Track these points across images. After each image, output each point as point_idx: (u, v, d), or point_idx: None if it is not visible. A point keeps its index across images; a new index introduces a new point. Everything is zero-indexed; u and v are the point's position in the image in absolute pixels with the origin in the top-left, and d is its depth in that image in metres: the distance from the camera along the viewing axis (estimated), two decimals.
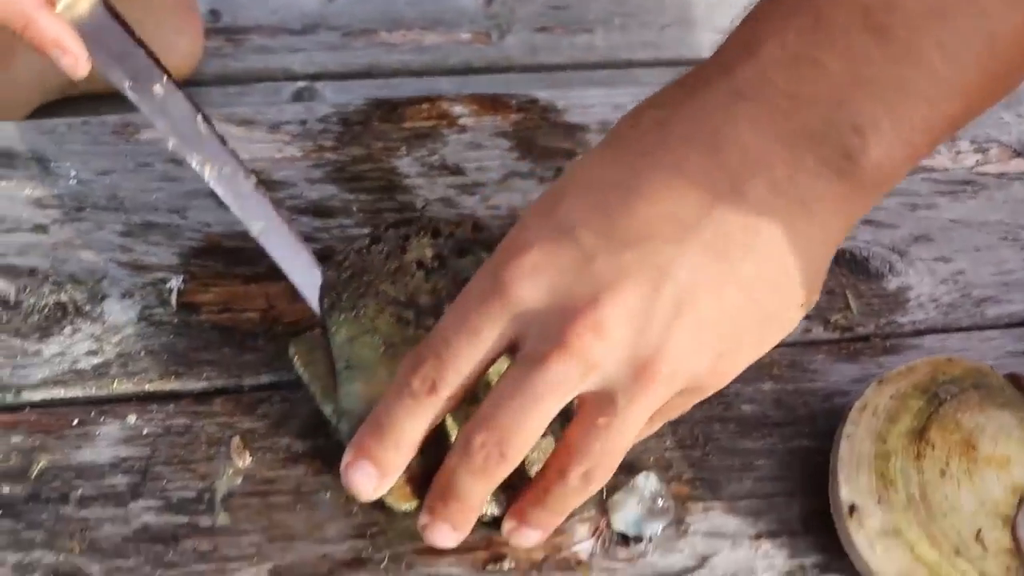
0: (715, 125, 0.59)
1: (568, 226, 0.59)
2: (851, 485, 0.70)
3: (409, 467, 0.66)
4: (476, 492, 0.63)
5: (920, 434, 0.71)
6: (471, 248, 0.74)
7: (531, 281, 0.59)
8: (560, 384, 0.59)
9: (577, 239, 0.59)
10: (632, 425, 0.61)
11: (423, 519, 0.66)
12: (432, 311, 0.71)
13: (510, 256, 0.60)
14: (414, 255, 0.74)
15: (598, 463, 0.62)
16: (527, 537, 0.67)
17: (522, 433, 0.61)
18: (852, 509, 0.69)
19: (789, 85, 0.58)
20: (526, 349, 0.60)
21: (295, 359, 0.72)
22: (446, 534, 0.65)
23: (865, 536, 0.69)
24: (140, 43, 0.73)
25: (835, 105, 0.57)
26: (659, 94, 0.63)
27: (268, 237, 0.74)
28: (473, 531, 0.67)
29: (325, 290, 0.73)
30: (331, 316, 0.72)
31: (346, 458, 0.65)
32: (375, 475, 0.65)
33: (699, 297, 0.58)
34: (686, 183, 0.58)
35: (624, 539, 0.71)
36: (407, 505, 0.68)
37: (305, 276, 0.74)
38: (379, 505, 0.68)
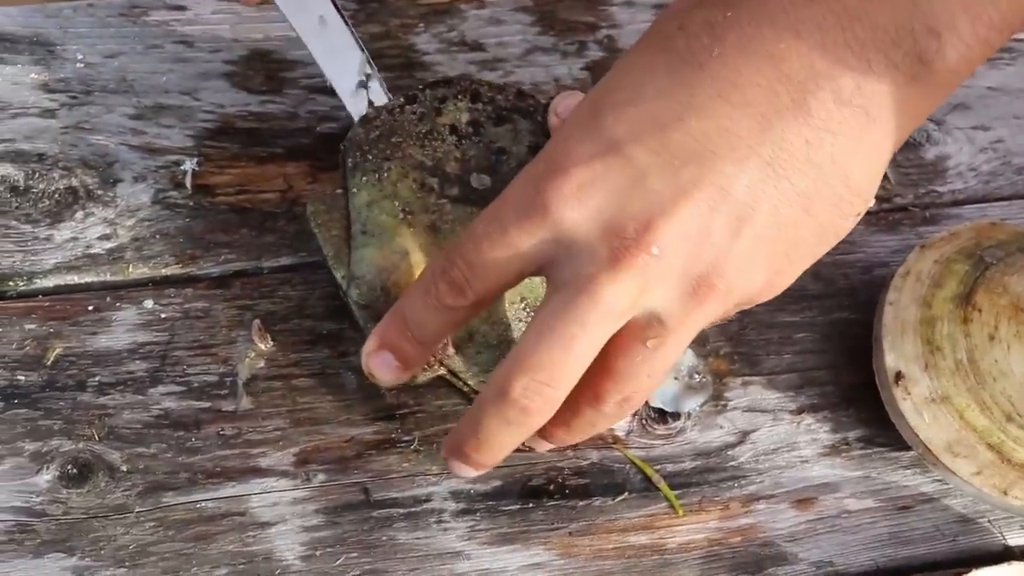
0: (777, 32, 0.54)
1: (617, 140, 0.55)
2: (896, 352, 0.67)
3: None
4: (509, 443, 0.59)
5: (967, 298, 0.68)
6: (510, 116, 0.72)
7: (576, 202, 0.55)
8: (613, 308, 0.55)
9: (629, 156, 0.55)
10: (681, 346, 0.57)
11: (444, 452, 0.62)
12: (457, 180, 0.69)
13: (554, 171, 0.56)
14: (448, 119, 0.71)
15: (639, 388, 0.58)
16: (543, 447, 0.63)
17: (570, 368, 0.56)
18: (898, 377, 0.67)
19: None
20: (568, 274, 0.56)
21: (311, 219, 0.69)
22: (468, 473, 0.62)
23: (912, 404, 0.66)
24: None
25: (909, 6, 0.53)
26: None
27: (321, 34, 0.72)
28: None
29: (350, 149, 0.70)
30: (353, 177, 0.69)
31: (369, 345, 0.63)
32: (396, 367, 0.62)
33: (757, 216, 0.55)
34: (745, 97, 0.54)
35: (662, 415, 0.70)
36: (423, 377, 0.66)
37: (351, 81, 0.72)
38: (406, 388, 0.67)
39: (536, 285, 0.67)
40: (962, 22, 0.53)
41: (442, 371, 0.66)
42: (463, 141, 0.70)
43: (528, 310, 0.67)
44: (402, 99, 0.72)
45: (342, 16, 0.71)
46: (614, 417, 0.60)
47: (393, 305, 0.63)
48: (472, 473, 0.62)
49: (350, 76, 0.72)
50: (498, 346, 0.66)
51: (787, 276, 0.58)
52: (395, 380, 0.63)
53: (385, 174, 0.68)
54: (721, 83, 0.54)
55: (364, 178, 0.68)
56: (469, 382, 0.66)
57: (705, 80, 0.54)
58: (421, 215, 0.67)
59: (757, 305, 0.68)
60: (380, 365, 0.62)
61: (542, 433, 0.60)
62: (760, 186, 0.54)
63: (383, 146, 0.69)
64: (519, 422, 0.57)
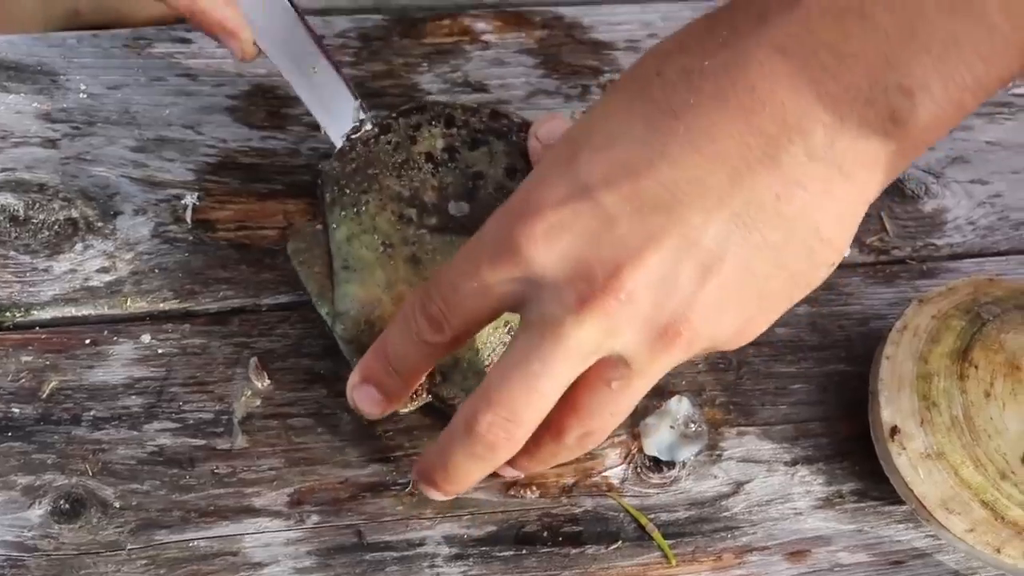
0: (750, 83, 0.54)
1: (589, 185, 0.55)
2: (892, 407, 0.67)
3: None
4: (475, 475, 0.61)
5: (963, 354, 0.68)
6: (485, 139, 0.72)
7: (546, 244, 0.55)
8: (577, 351, 0.55)
9: (599, 201, 0.55)
10: (644, 389, 0.58)
11: (414, 474, 0.64)
12: (435, 210, 0.69)
13: (526, 213, 0.56)
14: (424, 146, 0.71)
15: (601, 426, 0.59)
16: (508, 473, 0.65)
17: (532, 408, 0.57)
18: (894, 431, 0.67)
19: (834, 40, 0.53)
20: (535, 314, 0.56)
21: (292, 257, 0.69)
22: (438, 498, 0.64)
23: (907, 459, 0.66)
24: (300, 16, 0.72)
25: (883, 64, 0.53)
26: (686, 36, 0.57)
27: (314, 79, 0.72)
28: None
29: (327, 183, 0.70)
30: (332, 212, 0.69)
31: (353, 378, 0.64)
32: (379, 400, 0.63)
33: (725, 266, 0.55)
34: (717, 149, 0.54)
35: (656, 464, 0.69)
36: (404, 409, 0.66)
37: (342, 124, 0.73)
38: (401, 428, 0.67)
39: None
40: (935, 83, 0.52)
41: (429, 399, 0.66)
42: (439, 168, 0.70)
43: (512, 335, 0.67)
44: (376, 129, 0.72)
45: (334, 65, 0.72)
46: (576, 450, 0.61)
47: (376, 340, 0.63)
48: (440, 498, 0.64)
49: (343, 123, 0.72)
50: (484, 372, 0.66)
51: (759, 324, 0.58)
52: (379, 413, 0.64)
53: (363, 208, 0.68)
54: (694, 134, 0.54)
55: (343, 212, 0.69)
56: (458, 408, 0.66)
57: (679, 130, 0.54)
58: (401, 247, 0.67)
59: (753, 355, 0.69)
60: (364, 398, 0.64)
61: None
62: (728, 237, 0.54)
63: (360, 179, 0.70)
64: (484, 456, 0.59)
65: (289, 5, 0.71)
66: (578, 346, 0.55)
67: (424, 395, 0.66)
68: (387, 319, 0.65)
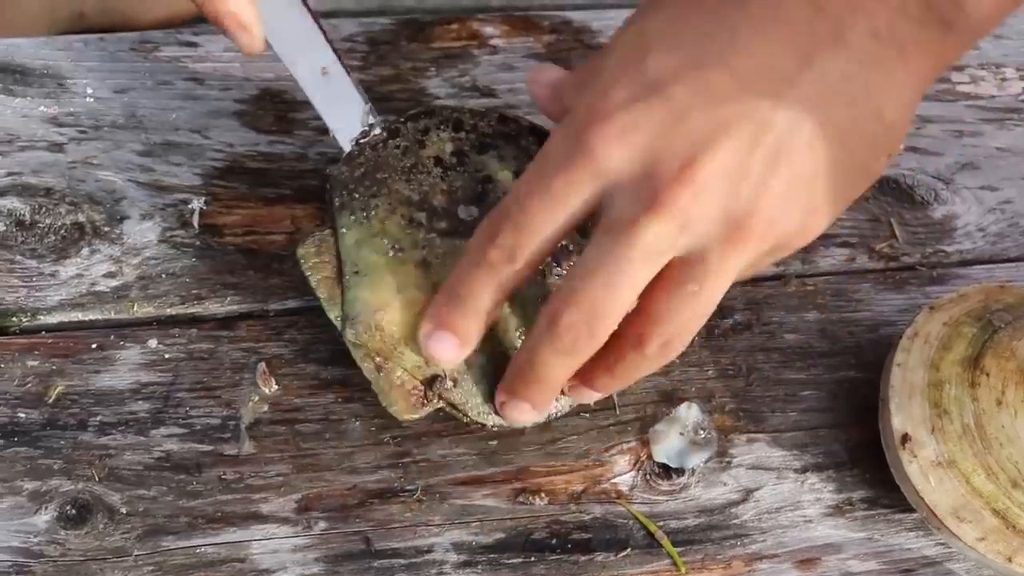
0: None
1: (659, 82, 0.56)
2: (903, 414, 0.67)
3: (414, 380, 0.65)
4: (561, 373, 0.61)
5: (975, 362, 0.68)
6: (494, 143, 0.71)
7: (620, 144, 0.56)
8: (654, 248, 0.56)
9: (670, 96, 0.55)
10: (722, 288, 0.58)
11: (500, 397, 0.64)
12: (445, 213, 0.68)
13: (597, 117, 0.57)
14: (432, 150, 0.71)
15: (683, 330, 0.59)
16: (589, 396, 0.65)
17: (613, 306, 0.58)
18: (905, 439, 0.66)
19: None
20: (613, 215, 0.57)
21: (302, 262, 0.68)
22: (526, 412, 0.64)
23: (918, 467, 0.66)
24: (315, 17, 0.71)
25: None
26: None
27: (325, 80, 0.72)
28: (506, 456, 0.66)
29: (335, 188, 0.70)
30: (341, 216, 0.69)
31: (425, 327, 0.63)
32: (455, 344, 0.63)
33: (795, 151, 0.56)
34: (785, 34, 0.55)
35: (666, 471, 0.69)
36: (414, 415, 0.66)
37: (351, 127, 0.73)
38: (410, 434, 0.67)
39: (531, 313, 0.66)
40: None
41: (441, 404, 0.66)
42: (449, 172, 0.70)
43: (524, 338, 0.67)
44: (385, 133, 0.71)
45: (344, 66, 0.71)
46: (656, 361, 0.61)
47: (442, 286, 0.63)
48: (529, 413, 0.64)
49: (352, 127, 0.72)
50: (495, 376, 0.66)
51: (821, 217, 0.59)
52: (455, 358, 0.63)
53: (372, 212, 0.68)
54: (761, 20, 0.56)
55: (352, 217, 0.68)
56: (469, 414, 0.66)
57: (745, 19, 0.56)
58: (411, 251, 0.67)
59: (762, 362, 0.68)
60: (439, 347, 0.63)
61: (587, 380, 0.63)
62: (799, 122, 0.55)
63: (369, 183, 0.69)
64: (567, 351, 0.59)
65: (304, 6, 0.70)
66: (655, 242, 0.56)
67: (436, 400, 0.66)
68: (397, 323, 0.65)
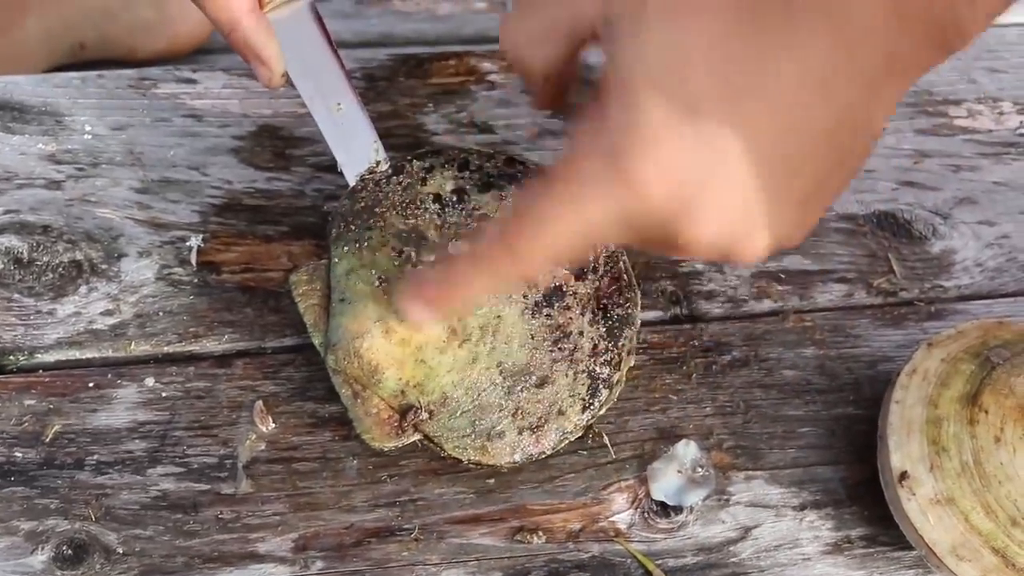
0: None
1: (700, 109, 0.52)
2: (902, 452, 0.67)
3: (388, 407, 0.65)
4: (479, 283, 0.60)
5: (973, 399, 0.68)
6: (497, 183, 0.71)
7: (661, 179, 0.53)
8: None
9: (707, 135, 0.52)
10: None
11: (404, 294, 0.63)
12: (435, 248, 0.69)
13: (638, 143, 0.52)
14: (432, 187, 0.71)
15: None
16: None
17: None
18: (903, 477, 0.66)
19: None
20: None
21: (292, 288, 0.69)
22: (419, 309, 0.62)
23: (917, 504, 0.66)
24: (335, 53, 0.72)
25: None
26: None
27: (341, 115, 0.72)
28: (504, 495, 0.64)
29: (335, 220, 0.70)
30: (336, 247, 0.69)
31: (410, 293, 0.62)
32: (430, 314, 0.62)
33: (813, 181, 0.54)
34: (814, 72, 0.53)
35: (664, 509, 0.69)
36: (389, 444, 0.66)
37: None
38: (407, 472, 0.67)
39: (514, 350, 0.67)
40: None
41: (417, 436, 0.66)
42: (445, 209, 0.70)
43: (503, 375, 0.67)
44: (390, 169, 0.72)
45: (359, 103, 0.72)
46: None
47: (441, 260, 0.65)
48: (422, 308, 0.62)
49: (360, 162, 0.72)
50: (472, 411, 0.66)
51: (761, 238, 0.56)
52: (424, 321, 0.64)
53: (365, 243, 0.69)
54: (794, 53, 0.52)
55: (345, 247, 0.69)
56: (445, 447, 0.66)
57: (779, 48, 0.52)
58: (395, 283, 0.67)
59: (761, 399, 0.68)
60: (413, 310, 0.62)
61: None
62: (819, 159, 0.54)
63: (366, 216, 0.70)
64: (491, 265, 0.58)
65: (324, 40, 0.70)
66: None
67: (412, 432, 0.66)
68: (375, 351, 0.65)
